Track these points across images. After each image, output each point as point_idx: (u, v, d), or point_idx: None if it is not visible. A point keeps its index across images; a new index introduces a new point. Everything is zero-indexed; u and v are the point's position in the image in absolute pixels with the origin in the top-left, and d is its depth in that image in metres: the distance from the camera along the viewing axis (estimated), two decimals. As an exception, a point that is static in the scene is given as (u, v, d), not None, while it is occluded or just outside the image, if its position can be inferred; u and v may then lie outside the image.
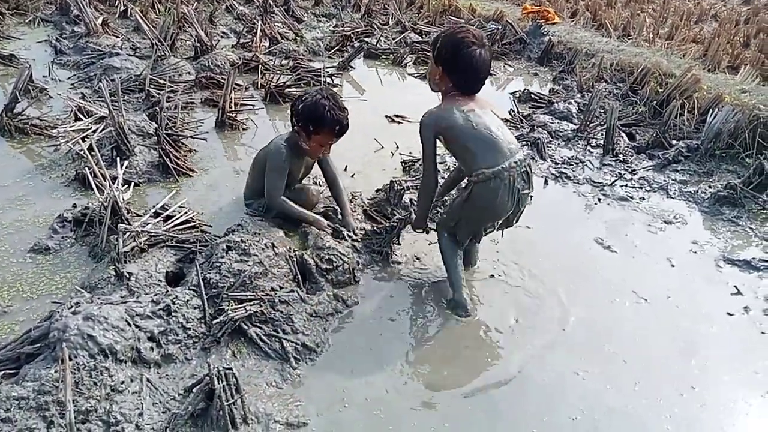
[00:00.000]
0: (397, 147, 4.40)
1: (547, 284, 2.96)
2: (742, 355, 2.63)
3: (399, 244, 3.11)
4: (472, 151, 2.59)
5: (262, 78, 5.40)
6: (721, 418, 2.30)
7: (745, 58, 6.48)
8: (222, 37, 6.80)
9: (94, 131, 3.81)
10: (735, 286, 3.10)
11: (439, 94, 2.79)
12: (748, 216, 3.81)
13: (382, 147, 4.40)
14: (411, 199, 3.49)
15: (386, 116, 5.04)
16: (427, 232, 3.12)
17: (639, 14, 8.71)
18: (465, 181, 2.75)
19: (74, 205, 3.10)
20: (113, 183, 2.97)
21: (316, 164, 3.39)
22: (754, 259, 3.33)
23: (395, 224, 3.05)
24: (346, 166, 3.95)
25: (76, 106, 4.15)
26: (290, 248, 2.86)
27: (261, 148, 3.34)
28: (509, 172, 2.56)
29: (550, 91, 6.03)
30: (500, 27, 7.57)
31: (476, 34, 2.64)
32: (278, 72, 5.57)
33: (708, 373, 2.51)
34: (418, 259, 3.11)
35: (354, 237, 3.10)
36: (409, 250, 3.15)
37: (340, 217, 3.25)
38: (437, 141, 2.71)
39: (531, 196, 2.79)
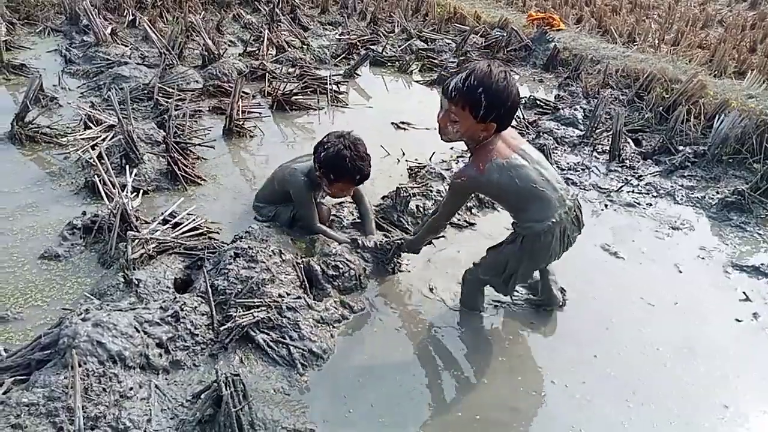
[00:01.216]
0: (404, 154, 4.41)
1: (554, 290, 2.96)
2: (751, 361, 2.61)
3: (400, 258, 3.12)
4: (519, 207, 2.44)
5: (269, 86, 5.43)
6: (729, 423, 2.29)
7: (751, 64, 6.46)
8: (229, 45, 6.86)
9: (104, 139, 3.86)
10: (743, 292, 3.09)
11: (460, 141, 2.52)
12: (756, 222, 3.79)
13: (389, 154, 4.41)
14: (417, 206, 3.50)
15: (392, 123, 5.06)
16: (417, 252, 3.07)
17: (644, 20, 8.71)
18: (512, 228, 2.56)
19: (84, 213, 3.13)
20: (122, 191, 3.00)
21: None
22: (762, 264, 3.32)
23: (389, 246, 3.04)
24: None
25: (85, 115, 4.20)
26: (297, 255, 2.88)
27: (284, 163, 3.34)
28: (560, 224, 2.41)
29: (555, 98, 6.04)
30: (505, 34, 7.59)
31: (502, 68, 2.34)
32: (285, 80, 5.61)
33: (716, 380, 2.49)
34: (429, 261, 3.12)
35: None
36: (416, 257, 3.16)
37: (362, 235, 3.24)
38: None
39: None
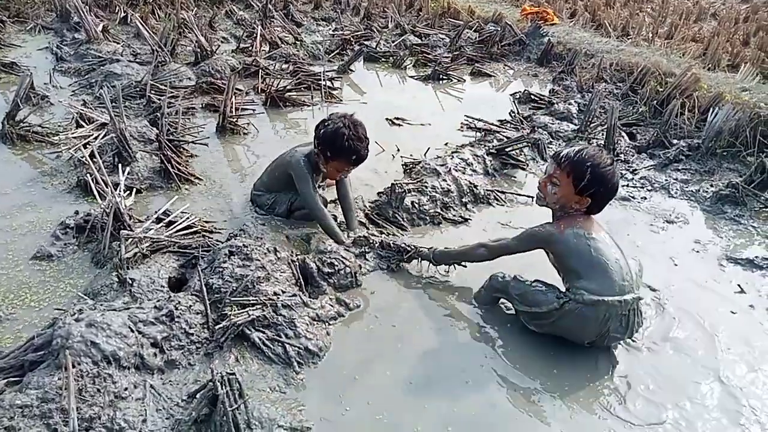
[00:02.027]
0: (398, 150, 4.40)
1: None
2: (746, 354, 2.62)
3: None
4: (581, 271, 2.48)
5: (262, 82, 5.41)
6: (728, 417, 2.30)
7: (744, 57, 6.48)
8: (222, 42, 6.82)
9: (96, 138, 3.82)
10: (738, 285, 3.10)
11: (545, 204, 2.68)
12: (751, 214, 3.81)
13: (383, 150, 4.40)
14: (412, 202, 3.49)
15: (387, 119, 5.04)
16: (437, 265, 3.02)
17: (638, 14, 8.72)
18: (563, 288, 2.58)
19: (76, 212, 3.11)
20: (115, 189, 2.97)
21: None
22: (757, 257, 3.33)
23: (409, 249, 3.00)
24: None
25: (77, 113, 4.16)
26: (292, 252, 2.86)
27: (283, 153, 3.35)
28: (608, 308, 2.40)
29: (550, 92, 6.03)
30: (499, 28, 7.58)
31: (611, 157, 2.59)
32: (278, 76, 5.58)
33: (712, 372, 2.50)
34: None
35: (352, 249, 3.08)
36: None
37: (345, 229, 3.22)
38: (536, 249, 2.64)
39: (623, 341, 2.61)
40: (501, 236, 2.90)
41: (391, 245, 3.05)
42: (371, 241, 3.07)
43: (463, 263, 2.95)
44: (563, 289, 2.56)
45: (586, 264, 2.47)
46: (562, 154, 2.58)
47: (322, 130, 3.05)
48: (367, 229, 3.29)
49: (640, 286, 2.55)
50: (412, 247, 3.01)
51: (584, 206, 2.56)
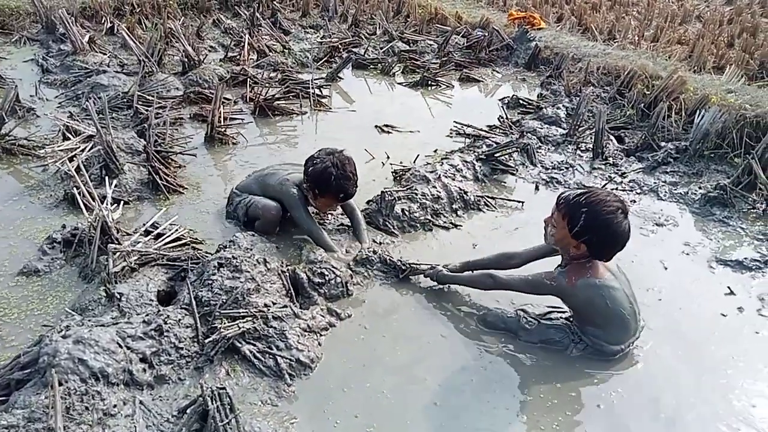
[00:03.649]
0: (388, 157, 4.40)
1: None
2: (736, 355, 2.63)
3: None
4: (598, 325, 2.51)
5: (250, 91, 5.39)
6: (721, 417, 2.30)
7: (729, 58, 6.54)
8: (210, 51, 6.79)
9: (83, 150, 3.79)
10: (728, 287, 3.11)
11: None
12: (739, 216, 3.83)
13: (373, 158, 4.39)
14: (403, 209, 3.48)
15: (376, 126, 5.04)
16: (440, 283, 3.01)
17: (624, 17, 8.78)
18: (572, 321, 2.63)
19: (63, 226, 3.08)
20: (102, 202, 2.94)
21: None
22: (746, 258, 3.35)
23: (405, 268, 3.00)
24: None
25: (63, 126, 4.12)
26: (282, 263, 2.85)
27: (272, 169, 3.40)
28: (624, 351, 2.54)
29: (538, 97, 6.06)
30: (487, 34, 7.61)
31: (622, 204, 2.41)
32: (267, 85, 5.57)
33: (703, 374, 2.51)
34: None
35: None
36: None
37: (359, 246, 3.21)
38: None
39: None
40: (498, 251, 2.96)
41: (388, 261, 3.05)
42: (371, 260, 3.06)
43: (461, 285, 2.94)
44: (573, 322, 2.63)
45: (603, 317, 2.47)
46: (562, 196, 2.49)
47: (310, 168, 3.08)
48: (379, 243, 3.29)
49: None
50: (408, 265, 3.01)
51: (582, 251, 2.45)
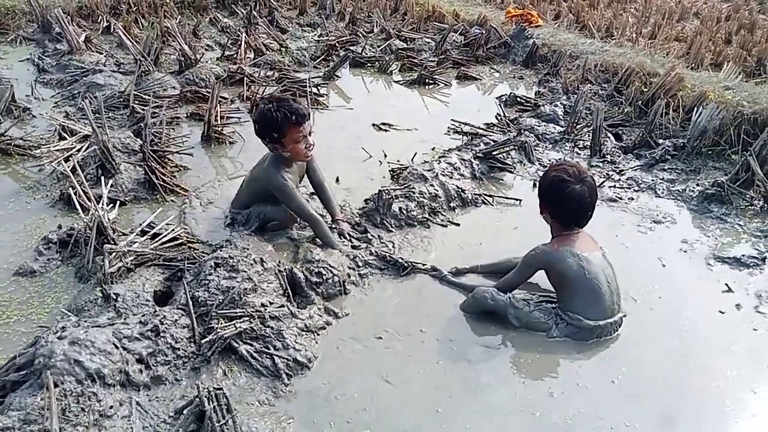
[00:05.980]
0: (386, 155, 4.39)
1: (538, 288, 2.95)
2: (734, 352, 2.63)
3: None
4: (575, 295, 2.60)
5: (247, 90, 5.37)
6: (719, 416, 2.30)
7: (727, 55, 6.53)
8: (206, 50, 6.76)
9: (79, 150, 3.77)
10: (726, 284, 3.11)
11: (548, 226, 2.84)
12: (737, 213, 3.83)
13: (371, 156, 4.38)
14: (400, 208, 3.47)
15: (373, 124, 5.03)
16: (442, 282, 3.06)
17: (621, 14, 8.77)
18: (556, 305, 2.71)
19: (59, 226, 3.07)
20: (98, 202, 2.93)
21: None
22: (743, 255, 3.34)
23: (407, 266, 3.02)
24: (338, 178, 3.93)
25: (59, 125, 4.11)
26: (279, 262, 2.84)
27: (254, 166, 3.36)
28: (600, 330, 2.60)
29: (535, 94, 6.05)
30: (484, 31, 7.59)
31: (573, 171, 2.63)
32: (264, 84, 5.55)
33: (701, 371, 2.50)
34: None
35: (347, 241, 3.15)
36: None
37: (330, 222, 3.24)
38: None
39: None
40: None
41: (387, 258, 3.05)
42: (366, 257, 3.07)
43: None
44: (557, 302, 2.70)
45: (580, 289, 2.57)
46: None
47: (255, 125, 3.11)
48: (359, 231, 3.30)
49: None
50: (409, 263, 3.03)
51: (552, 221, 2.70)
